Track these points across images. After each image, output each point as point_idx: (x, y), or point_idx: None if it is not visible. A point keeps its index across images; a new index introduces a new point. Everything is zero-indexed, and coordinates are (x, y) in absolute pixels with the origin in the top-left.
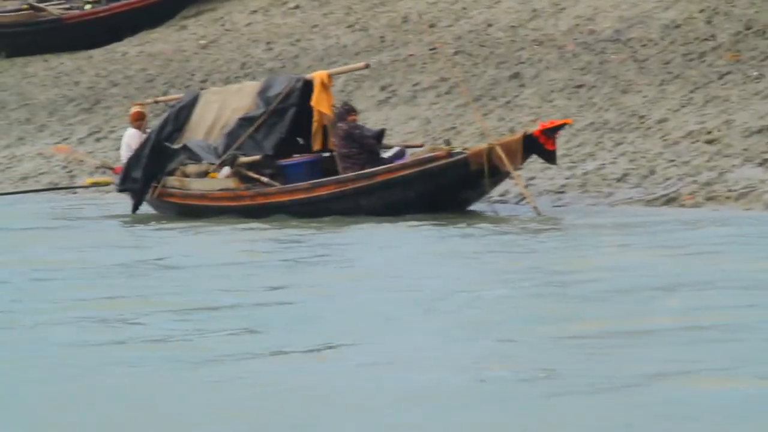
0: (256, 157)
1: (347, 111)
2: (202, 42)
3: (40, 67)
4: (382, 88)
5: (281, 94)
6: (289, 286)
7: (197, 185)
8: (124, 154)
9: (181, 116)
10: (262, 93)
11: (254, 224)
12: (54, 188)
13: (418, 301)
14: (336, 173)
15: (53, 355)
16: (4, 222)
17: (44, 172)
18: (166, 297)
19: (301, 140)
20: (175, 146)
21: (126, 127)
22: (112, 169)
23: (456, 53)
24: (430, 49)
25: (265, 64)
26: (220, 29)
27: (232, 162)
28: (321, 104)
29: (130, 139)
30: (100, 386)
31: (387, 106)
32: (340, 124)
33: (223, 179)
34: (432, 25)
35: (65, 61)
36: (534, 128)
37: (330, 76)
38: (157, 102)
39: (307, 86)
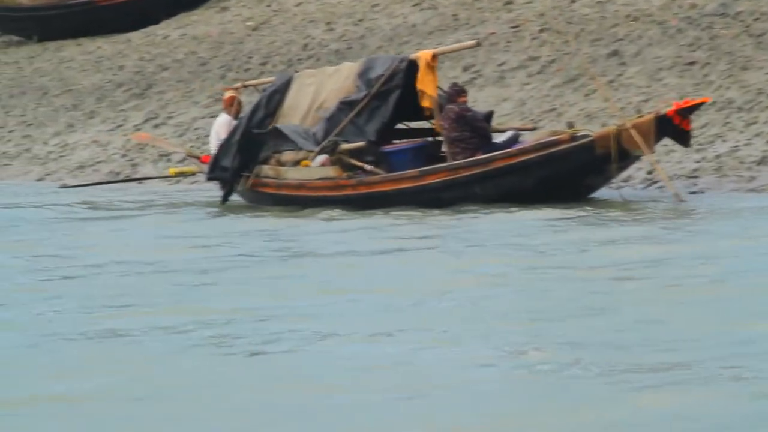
0: (360, 144)
1: (457, 92)
2: (250, 23)
3: (75, 51)
4: (465, 69)
5: (384, 76)
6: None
7: (294, 174)
8: (214, 141)
9: (273, 101)
10: (363, 74)
11: (363, 214)
12: (138, 179)
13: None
14: (439, 160)
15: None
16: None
17: (101, 160)
18: (334, 285)
19: (404, 125)
20: (265, 132)
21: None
22: (198, 158)
23: (541, 31)
24: (512, 27)
25: (328, 45)
26: (266, 10)
27: (332, 149)
28: (426, 86)
29: (220, 126)
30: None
31: (473, 88)
32: (450, 106)
33: (322, 168)
34: (509, 2)
35: (102, 45)
36: (667, 108)
37: (435, 56)
38: (245, 86)
39: (412, 67)
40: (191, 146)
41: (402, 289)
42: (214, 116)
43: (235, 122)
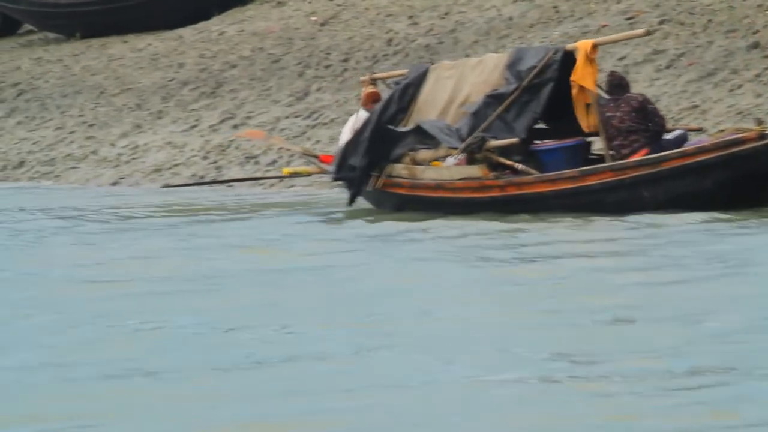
0: (512, 140)
1: (627, 83)
2: (314, 18)
3: (122, 48)
4: None
5: (536, 68)
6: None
7: (431, 174)
8: (346, 139)
9: (406, 95)
10: (512, 66)
11: (514, 217)
12: (247, 179)
13: None
14: (590, 163)
15: None
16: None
17: (179, 162)
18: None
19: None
20: (404, 128)
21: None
22: (315, 156)
23: (662, 22)
24: (627, 19)
25: (416, 40)
26: (330, 5)
27: (479, 146)
28: (585, 79)
29: (359, 123)
30: None
31: None
32: (631, 95)
33: (465, 167)
34: None
35: (153, 42)
36: None
37: (596, 46)
38: (373, 80)
39: (567, 58)
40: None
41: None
42: (298, 115)
43: None
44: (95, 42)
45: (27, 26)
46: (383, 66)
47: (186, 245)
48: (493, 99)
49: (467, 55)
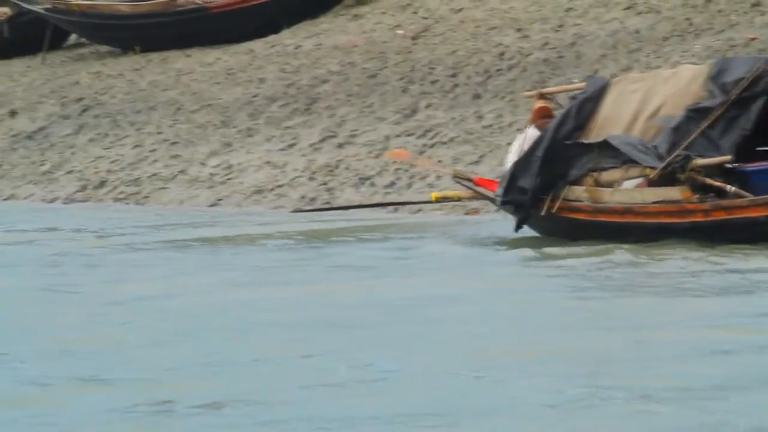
0: (724, 158)
1: None
2: (401, 32)
3: (188, 62)
4: None
5: (745, 79)
6: None
7: (620, 197)
8: (513, 158)
9: (584, 110)
10: (716, 78)
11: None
12: (388, 204)
13: None
14: None
15: None
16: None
17: (282, 183)
18: None
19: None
20: (587, 142)
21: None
22: (470, 179)
23: None
24: None
25: (531, 53)
26: (414, 17)
27: (683, 165)
28: None
29: (526, 142)
30: None
31: None
32: None
33: (663, 189)
34: (756, 3)
35: (221, 56)
36: None
37: None
38: (542, 95)
39: None
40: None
41: None
42: (411, 134)
43: None
44: (155, 56)
45: (72, 39)
46: (498, 81)
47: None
48: (696, 113)
49: (596, 70)
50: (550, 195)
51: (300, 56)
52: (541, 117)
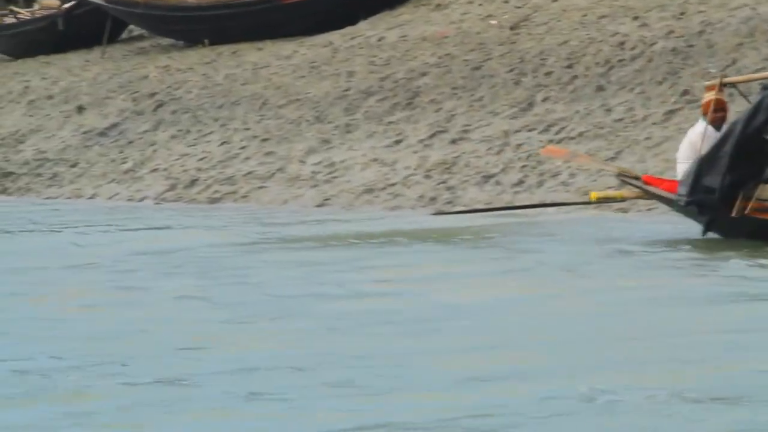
0: None
1: None
2: (494, 22)
3: (262, 56)
4: None
5: None
6: None
7: None
8: (684, 155)
9: None
10: None
11: None
12: (543, 205)
13: None
14: None
15: None
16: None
17: (395, 182)
18: None
19: None
20: None
21: None
22: (637, 178)
23: None
24: None
25: (655, 43)
26: (506, 6)
27: None
28: None
29: (698, 137)
30: None
31: None
32: None
33: None
34: None
35: (298, 49)
36: None
37: None
38: (724, 84)
39: None
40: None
41: None
42: (532, 128)
43: (714, 132)
44: (224, 49)
45: (128, 32)
46: (622, 72)
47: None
48: None
49: (733, 60)
50: (741, 195)
51: (386, 48)
52: (715, 110)
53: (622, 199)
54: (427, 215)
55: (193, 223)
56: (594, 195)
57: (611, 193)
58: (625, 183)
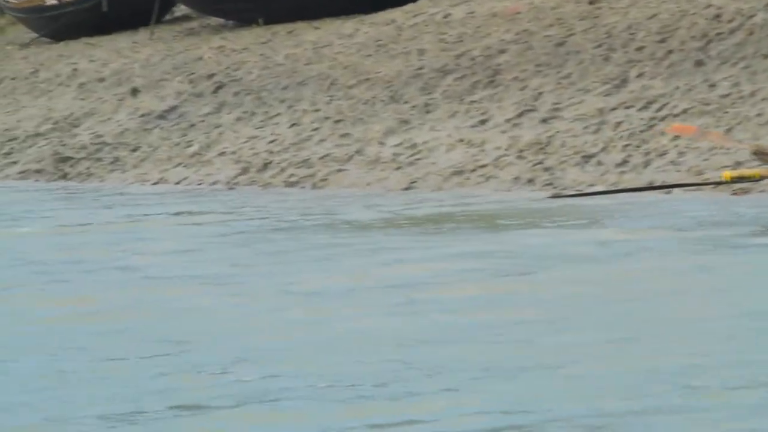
0: None
1: None
2: None
3: (322, 35)
4: None
5: None
6: None
7: None
8: None
9: None
10: None
11: None
12: (666, 186)
13: None
14: None
15: None
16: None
17: (485, 163)
18: None
19: None
20: None
21: None
22: None
23: None
24: None
25: (754, 14)
26: None
27: None
28: None
29: None
30: None
31: None
32: None
33: None
34: None
35: (359, 27)
36: None
37: None
38: None
39: None
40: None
41: None
42: (629, 106)
43: None
44: (279, 28)
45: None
46: (722, 46)
47: None
48: None
49: None
50: None
51: (455, 25)
52: None
53: (759, 179)
54: (530, 197)
55: (306, 205)
56: (727, 174)
57: (746, 172)
58: (763, 161)
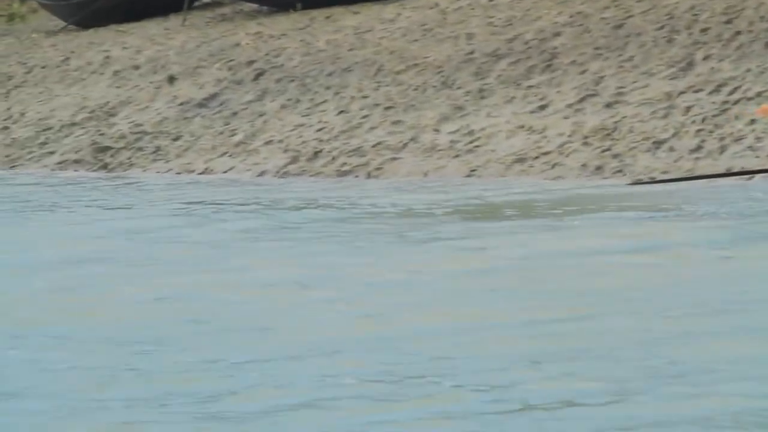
0: None
1: None
2: None
3: (361, 19)
4: None
5: None
6: None
7: None
8: None
9: None
10: None
11: None
12: (754, 171)
13: None
14: None
15: None
16: None
17: (548, 150)
18: None
19: None
20: None
21: None
22: None
23: None
24: None
25: None
26: None
27: None
28: None
29: None
30: None
31: None
32: None
33: None
34: None
35: (401, 12)
36: None
37: None
38: None
39: None
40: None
41: None
42: (698, 89)
43: None
44: (316, 14)
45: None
46: None
47: None
48: None
49: None
50: None
51: (502, 9)
52: None
53: None
54: (604, 184)
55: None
56: None
57: None
58: None
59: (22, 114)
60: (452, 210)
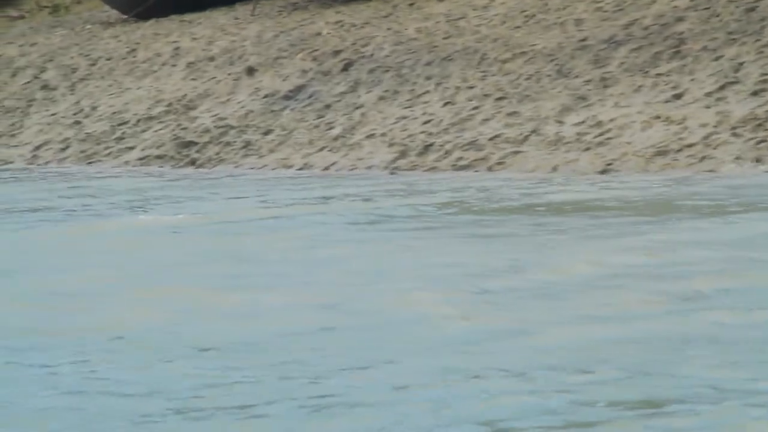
0: None
1: None
2: None
3: (450, 6)
4: None
5: None
6: None
7: None
8: None
9: None
10: None
11: None
12: None
13: None
14: None
15: None
16: None
17: (691, 142)
18: None
19: None
20: None
21: None
22: None
23: None
24: None
25: None
26: None
27: None
28: None
29: None
30: None
31: None
32: None
33: None
34: None
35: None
36: None
37: None
38: None
39: None
40: None
41: None
42: None
43: None
44: (399, 1)
45: None
46: None
47: None
48: None
49: None
50: None
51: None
52: None
53: None
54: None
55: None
56: None
57: None
58: None
59: (93, 108)
60: (643, 203)
